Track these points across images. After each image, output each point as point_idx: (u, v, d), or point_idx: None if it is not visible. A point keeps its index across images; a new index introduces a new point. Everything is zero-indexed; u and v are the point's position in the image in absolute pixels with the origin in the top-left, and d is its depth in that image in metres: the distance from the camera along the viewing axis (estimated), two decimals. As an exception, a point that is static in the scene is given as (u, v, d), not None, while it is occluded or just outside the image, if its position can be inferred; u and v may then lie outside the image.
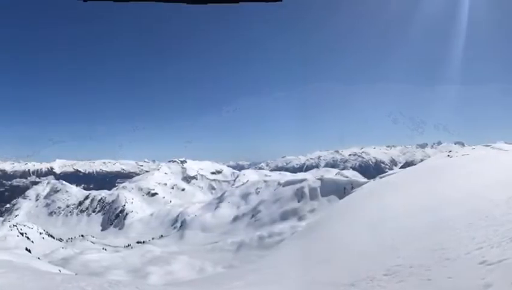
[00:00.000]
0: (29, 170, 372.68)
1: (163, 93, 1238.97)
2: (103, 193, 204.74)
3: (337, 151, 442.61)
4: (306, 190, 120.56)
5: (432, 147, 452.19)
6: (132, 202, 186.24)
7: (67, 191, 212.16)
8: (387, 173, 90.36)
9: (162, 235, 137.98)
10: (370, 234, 19.61)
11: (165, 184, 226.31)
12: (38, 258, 76.98)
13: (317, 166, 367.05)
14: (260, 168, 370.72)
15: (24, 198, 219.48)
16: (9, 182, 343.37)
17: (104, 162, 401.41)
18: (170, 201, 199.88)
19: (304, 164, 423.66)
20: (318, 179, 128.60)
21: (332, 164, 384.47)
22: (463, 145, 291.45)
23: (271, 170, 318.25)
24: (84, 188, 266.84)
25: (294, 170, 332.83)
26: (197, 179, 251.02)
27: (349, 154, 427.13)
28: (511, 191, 14.86)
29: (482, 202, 15.01)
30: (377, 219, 24.18)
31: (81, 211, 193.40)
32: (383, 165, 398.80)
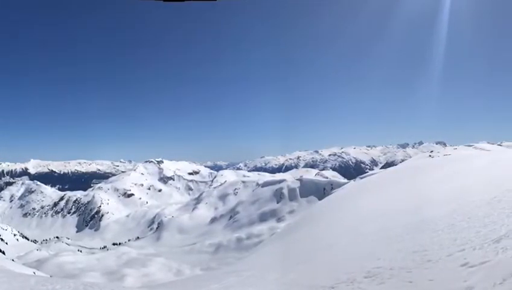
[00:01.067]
0: (3, 171, 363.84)
1: (140, 93, 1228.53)
2: (78, 194, 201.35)
3: (316, 152, 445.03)
4: (285, 191, 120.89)
5: (413, 147, 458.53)
6: (108, 203, 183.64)
7: (42, 192, 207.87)
8: (367, 174, 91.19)
9: (138, 237, 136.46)
10: (350, 236, 19.51)
11: (142, 185, 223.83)
12: (13, 260, 75.46)
13: (296, 166, 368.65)
14: (238, 169, 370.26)
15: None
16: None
17: (79, 163, 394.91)
18: (147, 202, 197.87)
19: (283, 164, 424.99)
20: (297, 179, 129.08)
21: (312, 164, 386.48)
22: (445, 145, 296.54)
23: (249, 171, 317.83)
24: (59, 189, 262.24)
25: (273, 171, 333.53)
26: (174, 180, 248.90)
27: (329, 155, 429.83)
28: (493, 192, 14.93)
29: (464, 203, 15.02)
30: (357, 220, 24.14)
31: (56, 212, 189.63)
32: (363, 165, 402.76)
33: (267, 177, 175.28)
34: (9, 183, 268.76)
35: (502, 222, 10.47)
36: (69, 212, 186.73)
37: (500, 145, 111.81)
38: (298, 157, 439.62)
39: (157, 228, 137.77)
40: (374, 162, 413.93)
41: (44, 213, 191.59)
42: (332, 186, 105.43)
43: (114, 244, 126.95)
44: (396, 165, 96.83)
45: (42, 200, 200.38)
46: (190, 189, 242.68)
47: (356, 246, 16.06)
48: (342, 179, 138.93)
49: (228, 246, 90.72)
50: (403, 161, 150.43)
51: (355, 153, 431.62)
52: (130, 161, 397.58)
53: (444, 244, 10.42)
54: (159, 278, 68.27)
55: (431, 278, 8.37)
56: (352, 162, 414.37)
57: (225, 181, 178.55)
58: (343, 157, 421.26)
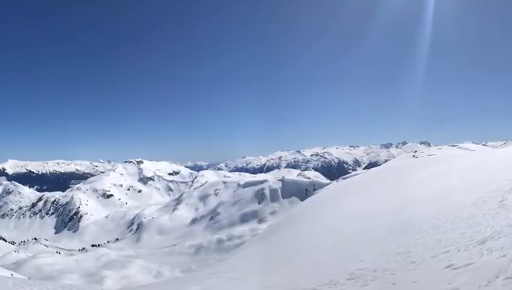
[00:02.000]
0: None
1: (119, 92, 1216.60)
2: (57, 195, 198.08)
3: (298, 152, 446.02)
4: (267, 192, 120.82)
5: (397, 147, 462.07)
6: (87, 204, 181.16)
7: (19, 193, 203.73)
8: (350, 174, 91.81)
9: (117, 238, 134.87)
10: (332, 237, 19.41)
11: (121, 185, 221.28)
12: (-11, 262, 74.05)
13: (278, 167, 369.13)
14: (219, 169, 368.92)
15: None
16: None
17: (57, 163, 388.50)
18: (126, 203, 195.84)
19: (265, 164, 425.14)
20: (279, 180, 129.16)
21: (294, 165, 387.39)
22: (429, 145, 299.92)
23: (230, 171, 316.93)
24: (38, 190, 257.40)
25: (254, 171, 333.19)
26: (154, 180, 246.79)
27: (311, 155, 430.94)
28: (478, 193, 14.96)
29: (449, 204, 15.01)
30: (339, 221, 24.08)
31: (34, 213, 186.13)
32: (346, 165, 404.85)
33: (249, 177, 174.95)
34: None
35: (487, 223, 10.43)
36: (47, 213, 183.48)
37: (485, 145, 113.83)
38: (280, 158, 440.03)
39: (136, 229, 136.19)
40: (357, 163, 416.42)
41: (22, 214, 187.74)
42: (315, 187, 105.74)
43: (93, 245, 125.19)
44: (379, 165, 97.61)
45: (20, 201, 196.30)
46: (170, 189, 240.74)
47: (339, 248, 15.94)
48: (325, 180, 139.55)
49: (209, 247, 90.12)
50: (386, 161, 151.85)
51: (338, 153, 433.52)
52: (109, 161, 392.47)
53: (428, 245, 10.33)
54: (139, 280, 67.56)
55: (415, 280, 8.25)
56: (334, 163, 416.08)
57: (206, 182, 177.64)
58: (325, 158, 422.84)
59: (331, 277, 10.64)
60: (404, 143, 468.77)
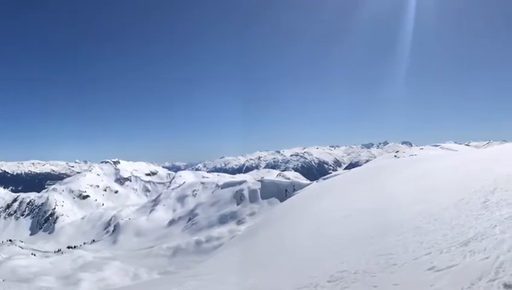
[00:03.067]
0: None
1: (95, 91, 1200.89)
2: (32, 196, 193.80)
3: (278, 152, 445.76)
4: (245, 192, 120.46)
5: (378, 147, 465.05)
6: (63, 205, 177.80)
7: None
8: (331, 174, 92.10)
9: (94, 240, 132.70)
10: (313, 238, 19.30)
11: (98, 186, 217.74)
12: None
13: (257, 167, 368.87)
14: (197, 169, 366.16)
15: None
16: None
17: (33, 163, 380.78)
18: (103, 204, 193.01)
19: (244, 164, 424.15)
20: (258, 180, 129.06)
21: (273, 165, 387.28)
22: (410, 145, 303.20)
23: (208, 171, 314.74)
24: (12, 191, 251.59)
25: (233, 171, 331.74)
26: (131, 181, 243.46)
27: (291, 155, 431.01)
28: (461, 193, 14.99)
29: (431, 205, 14.98)
30: (319, 222, 24.00)
31: (9, 215, 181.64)
32: (326, 166, 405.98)
33: (227, 178, 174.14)
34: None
35: (470, 224, 10.39)
36: (22, 215, 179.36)
37: (468, 146, 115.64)
38: (259, 158, 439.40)
39: (113, 231, 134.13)
40: (338, 163, 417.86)
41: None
42: (295, 187, 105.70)
43: (69, 247, 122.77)
44: (360, 165, 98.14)
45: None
46: (147, 190, 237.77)
47: (319, 249, 15.82)
48: (304, 180, 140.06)
49: (187, 249, 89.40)
50: (367, 161, 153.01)
51: (318, 153, 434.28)
52: (85, 162, 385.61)
53: (409, 247, 10.27)
54: (115, 283, 66.68)
55: (396, 282, 8.17)
56: (315, 163, 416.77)
57: (184, 182, 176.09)
58: (305, 158, 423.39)
59: (311, 279, 10.51)
60: (385, 143, 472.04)
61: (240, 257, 25.13)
